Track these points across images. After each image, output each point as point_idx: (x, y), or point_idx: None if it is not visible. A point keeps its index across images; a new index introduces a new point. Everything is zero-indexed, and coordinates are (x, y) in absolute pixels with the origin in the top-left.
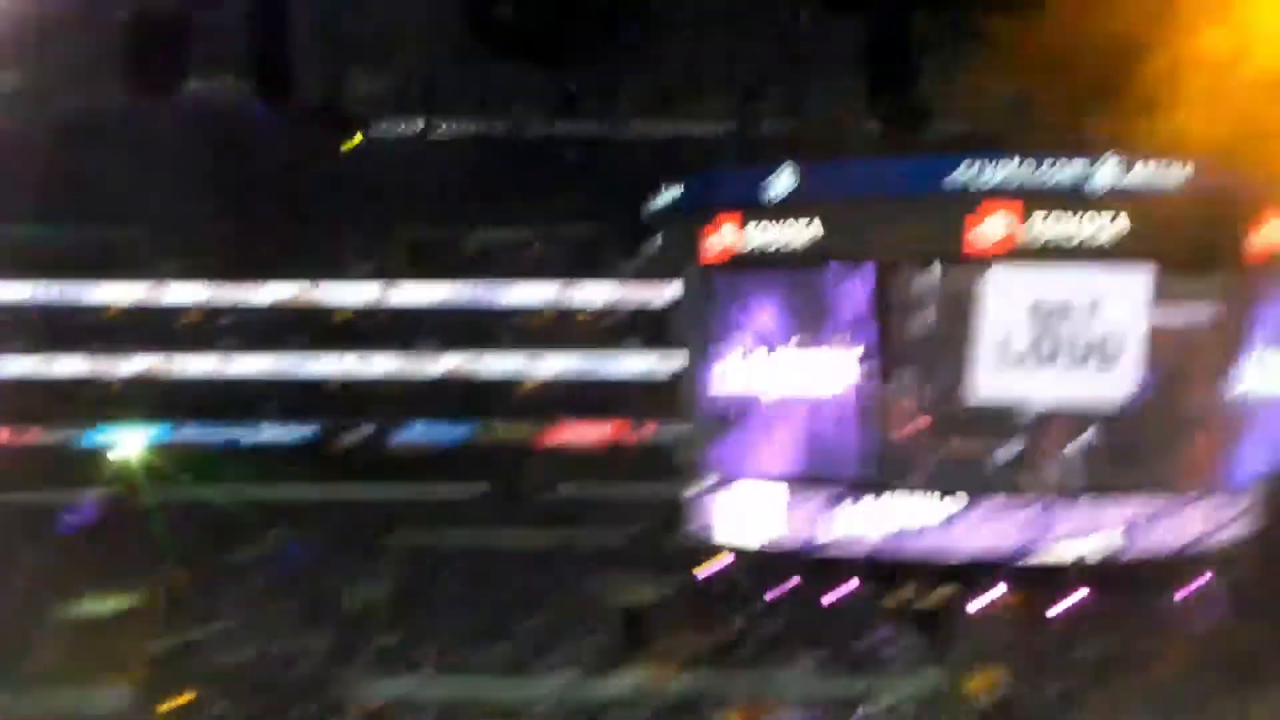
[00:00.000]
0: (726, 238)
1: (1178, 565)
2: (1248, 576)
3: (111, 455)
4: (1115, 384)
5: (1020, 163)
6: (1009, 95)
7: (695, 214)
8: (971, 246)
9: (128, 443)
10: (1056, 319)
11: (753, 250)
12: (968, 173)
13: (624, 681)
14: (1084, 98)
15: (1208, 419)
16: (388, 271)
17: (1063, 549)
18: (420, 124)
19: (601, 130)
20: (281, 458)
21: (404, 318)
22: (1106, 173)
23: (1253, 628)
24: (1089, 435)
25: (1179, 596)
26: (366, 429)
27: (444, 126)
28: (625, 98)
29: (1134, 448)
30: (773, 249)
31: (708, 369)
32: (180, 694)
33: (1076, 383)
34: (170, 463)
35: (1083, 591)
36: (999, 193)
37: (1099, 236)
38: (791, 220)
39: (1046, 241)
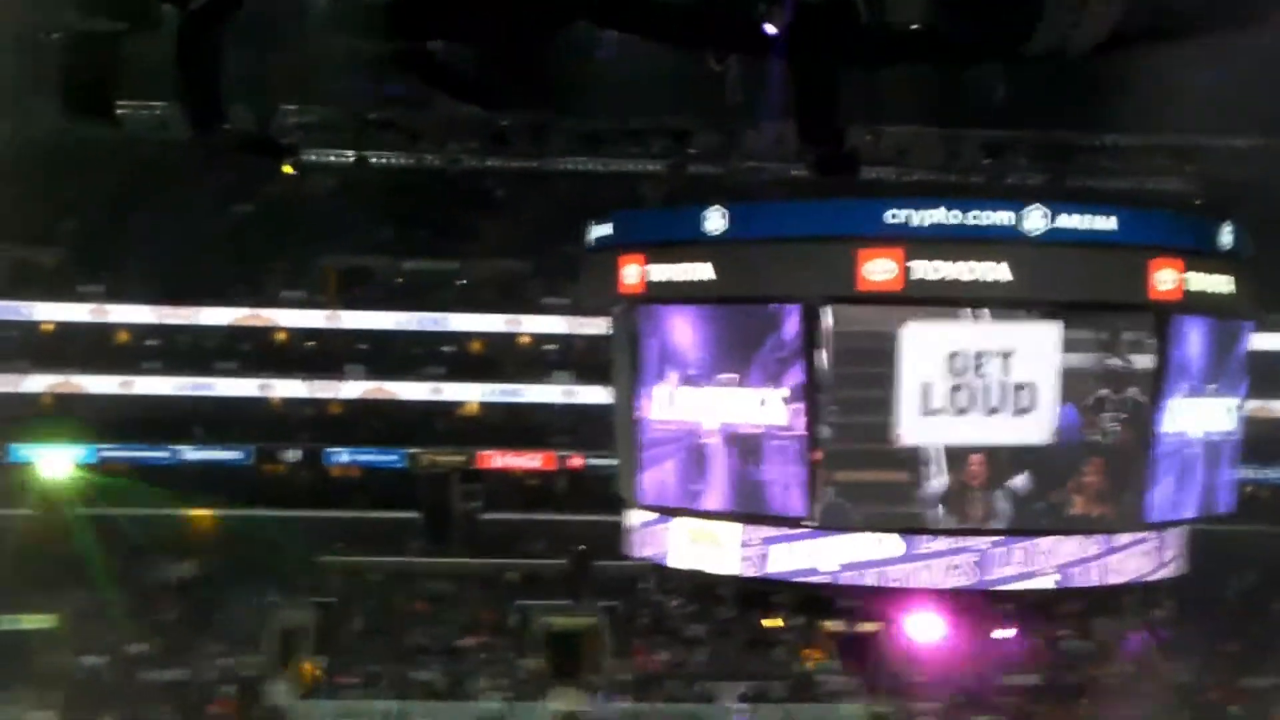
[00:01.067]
0: (650, 273)
1: (1107, 603)
2: (1175, 615)
3: (37, 473)
4: (1032, 429)
5: (930, 207)
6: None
7: (621, 249)
8: (869, 285)
9: (54, 461)
10: (971, 370)
11: (674, 286)
12: (883, 216)
13: (555, 706)
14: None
15: (1130, 460)
16: (318, 299)
17: (993, 585)
18: (352, 155)
19: (535, 165)
20: (212, 479)
21: (337, 343)
22: (1015, 218)
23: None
24: (1015, 476)
25: (1108, 633)
26: (299, 452)
27: (376, 159)
28: (557, 136)
29: (1059, 488)
30: (694, 286)
31: (636, 402)
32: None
33: (994, 429)
34: (97, 482)
35: (1013, 625)
36: (904, 236)
37: (999, 281)
38: (714, 259)
39: (947, 284)
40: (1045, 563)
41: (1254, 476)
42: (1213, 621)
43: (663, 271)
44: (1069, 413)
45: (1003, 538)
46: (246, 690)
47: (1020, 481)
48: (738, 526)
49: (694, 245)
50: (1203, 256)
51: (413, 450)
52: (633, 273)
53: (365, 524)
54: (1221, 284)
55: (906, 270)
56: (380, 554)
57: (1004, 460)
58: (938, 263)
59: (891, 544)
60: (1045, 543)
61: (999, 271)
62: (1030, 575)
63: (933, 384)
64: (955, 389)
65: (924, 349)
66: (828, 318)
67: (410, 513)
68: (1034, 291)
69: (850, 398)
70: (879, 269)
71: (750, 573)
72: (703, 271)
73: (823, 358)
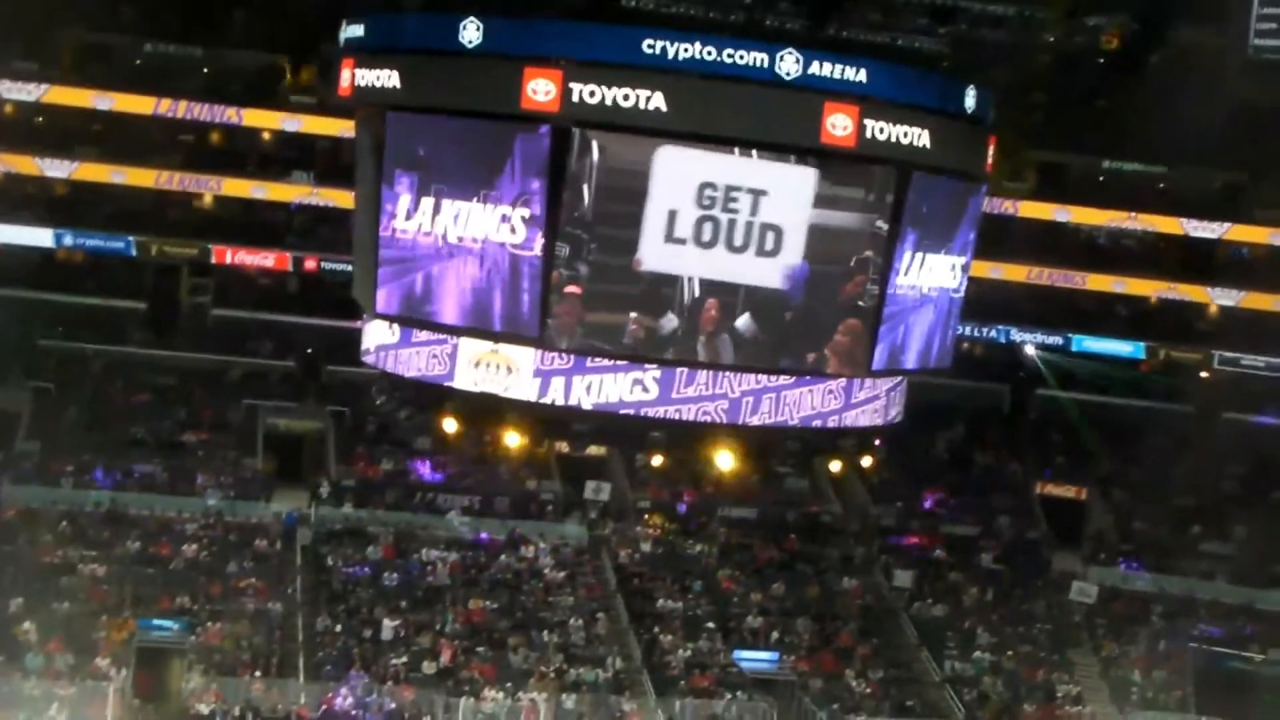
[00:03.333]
0: (357, 78)
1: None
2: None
3: None
4: (774, 272)
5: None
6: None
7: (368, 53)
8: (531, 105)
9: None
10: (721, 204)
11: (372, 93)
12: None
13: (277, 508)
14: None
15: (857, 309)
16: (50, 73)
17: (719, 416)
18: None
19: None
20: None
21: (69, 121)
22: (768, 60)
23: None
24: (750, 317)
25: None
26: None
27: None
28: None
29: (791, 331)
30: (385, 93)
31: (377, 209)
32: None
33: (736, 265)
34: None
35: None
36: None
37: (658, 110)
38: (400, 67)
39: (605, 109)
40: (790, 414)
41: (969, 333)
42: (919, 470)
43: (365, 77)
44: (802, 268)
45: (750, 386)
46: None
47: (759, 324)
48: (530, 352)
49: (389, 53)
50: (941, 116)
51: (142, 238)
52: (346, 77)
53: (88, 310)
54: (918, 136)
55: (565, 92)
56: (103, 343)
57: (746, 304)
58: (593, 86)
59: (650, 385)
60: (790, 395)
61: (656, 100)
62: (776, 425)
63: (679, 212)
64: (702, 220)
65: (675, 176)
66: (576, 142)
67: (136, 302)
68: (691, 123)
69: (595, 220)
70: (540, 89)
71: (469, 385)
72: (390, 79)
73: (576, 182)
